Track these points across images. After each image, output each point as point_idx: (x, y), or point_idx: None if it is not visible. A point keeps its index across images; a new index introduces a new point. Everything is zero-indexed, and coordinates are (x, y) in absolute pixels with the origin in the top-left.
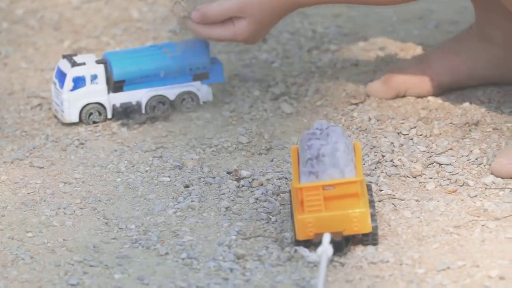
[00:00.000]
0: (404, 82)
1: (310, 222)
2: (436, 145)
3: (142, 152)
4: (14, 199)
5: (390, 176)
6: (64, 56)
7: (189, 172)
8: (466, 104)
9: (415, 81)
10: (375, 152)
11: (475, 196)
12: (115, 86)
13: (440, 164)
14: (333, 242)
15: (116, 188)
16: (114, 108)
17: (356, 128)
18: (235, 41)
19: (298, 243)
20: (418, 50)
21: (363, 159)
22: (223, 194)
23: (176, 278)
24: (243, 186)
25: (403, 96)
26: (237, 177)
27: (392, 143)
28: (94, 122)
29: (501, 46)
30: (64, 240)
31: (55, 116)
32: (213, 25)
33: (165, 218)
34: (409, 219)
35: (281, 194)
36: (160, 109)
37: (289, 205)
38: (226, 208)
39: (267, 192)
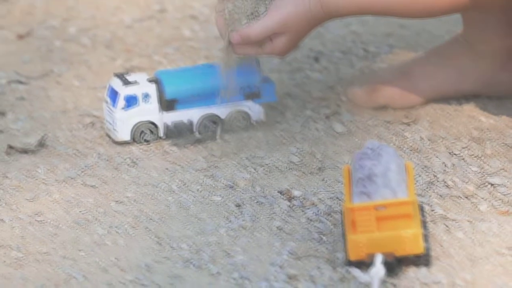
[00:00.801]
0: (387, 96)
1: (362, 242)
2: (488, 165)
3: (194, 171)
4: (66, 218)
5: (442, 197)
6: (116, 75)
7: (241, 192)
8: None
9: (399, 96)
10: (427, 172)
11: None
12: (167, 105)
13: (493, 185)
14: (385, 262)
15: (168, 207)
16: (166, 127)
17: (408, 148)
18: (277, 57)
19: (350, 263)
20: None
21: (415, 179)
22: (275, 213)
23: None
24: (295, 205)
25: (384, 107)
26: (289, 197)
27: (444, 163)
28: (146, 141)
29: (490, 63)
30: (116, 259)
31: (108, 135)
32: (253, 44)
33: (217, 237)
34: (461, 240)
35: (333, 214)
36: (212, 128)
37: (341, 225)
38: (278, 227)
39: (319, 212)
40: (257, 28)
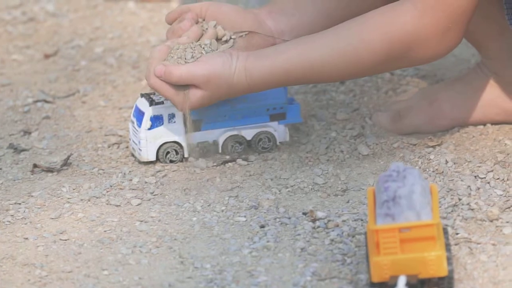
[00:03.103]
0: (412, 124)
1: (386, 264)
2: None
3: (218, 192)
4: (90, 237)
5: (466, 220)
6: (142, 95)
7: (264, 212)
8: None
9: (424, 124)
10: (452, 195)
11: None
12: (193, 125)
13: None
14: (408, 284)
15: (192, 227)
16: (191, 147)
17: (433, 171)
18: (184, 109)
19: (373, 285)
20: None
21: (440, 202)
22: (299, 234)
23: None
24: (318, 227)
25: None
26: (312, 218)
27: (469, 186)
28: (171, 161)
29: None
30: (139, 278)
31: (132, 155)
32: (170, 84)
33: (240, 258)
34: (485, 263)
35: (356, 236)
36: (237, 149)
37: (365, 247)
38: (302, 248)
39: (342, 233)
40: (182, 70)
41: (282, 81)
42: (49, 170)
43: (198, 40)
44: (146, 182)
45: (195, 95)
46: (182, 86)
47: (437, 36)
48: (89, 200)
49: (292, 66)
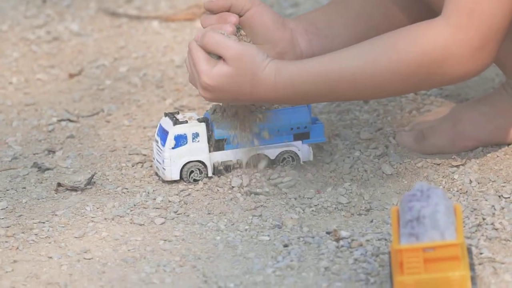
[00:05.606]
0: (436, 144)
1: (410, 284)
2: None
3: (241, 211)
4: (114, 256)
5: (490, 239)
6: (166, 114)
7: (288, 232)
8: None
9: (447, 144)
10: (476, 215)
11: None
12: (216, 144)
13: None
14: None
15: (215, 246)
16: (214, 166)
17: (457, 191)
18: (201, 82)
19: None
20: None
21: (464, 221)
22: (322, 254)
23: None
24: (342, 246)
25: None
26: (336, 237)
27: (493, 206)
28: (195, 180)
29: None
30: None
31: (156, 174)
32: (202, 49)
33: (264, 277)
34: (509, 283)
35: (380, 255)
36: (260, 168)
37: (389, 267)
38: (325, 268)
39: (366, 253)
40: (218, 36)
41: (310, 89)
42: (73, 189)
43: None
44: (170, 201)
45: (220, 69)
46: (214, 57)
47: (470, 53)
48: (113, 219)
49: (322, 71)
